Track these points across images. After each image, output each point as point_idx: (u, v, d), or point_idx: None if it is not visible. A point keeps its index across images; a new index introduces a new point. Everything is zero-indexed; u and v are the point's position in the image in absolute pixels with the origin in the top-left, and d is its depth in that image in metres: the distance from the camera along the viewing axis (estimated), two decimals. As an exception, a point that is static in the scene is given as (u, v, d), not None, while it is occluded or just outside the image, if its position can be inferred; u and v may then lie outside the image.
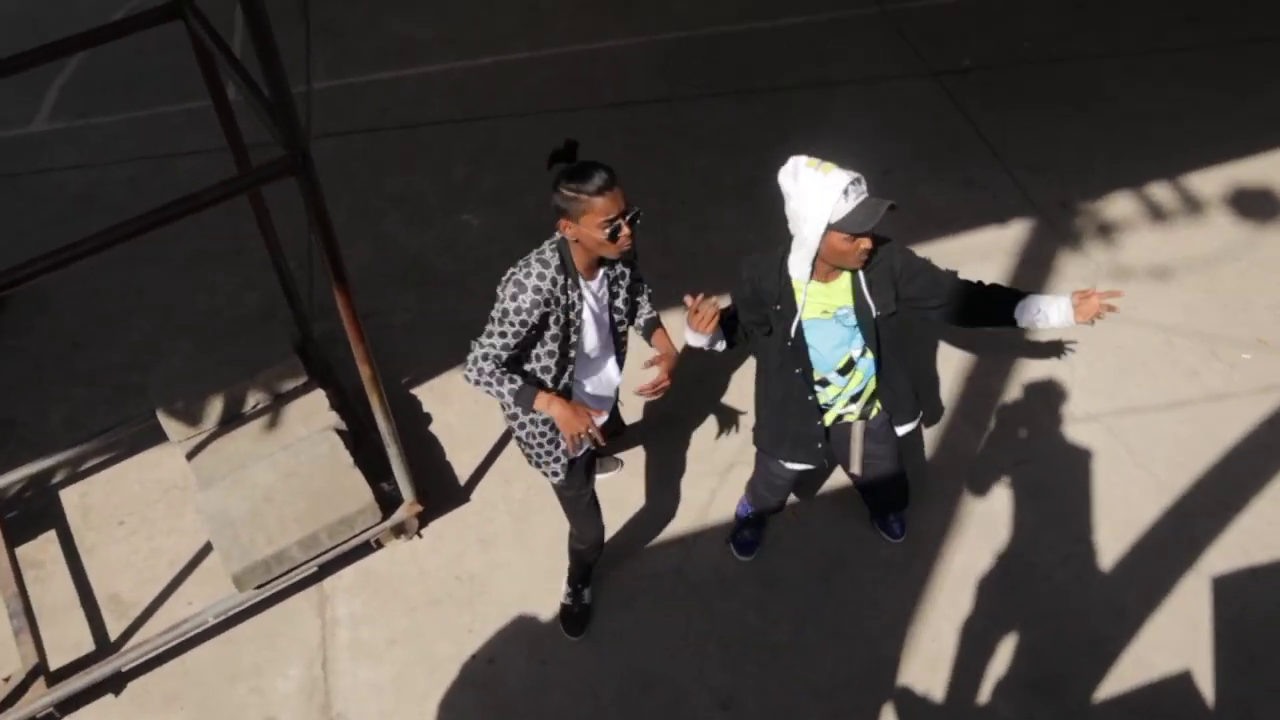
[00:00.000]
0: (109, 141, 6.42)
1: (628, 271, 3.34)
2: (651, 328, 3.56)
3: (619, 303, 3.32)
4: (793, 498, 4.38)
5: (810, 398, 3.48)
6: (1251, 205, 5.64)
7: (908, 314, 3.37)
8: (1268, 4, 7.01)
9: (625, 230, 2.95)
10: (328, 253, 3.11)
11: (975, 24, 6.95)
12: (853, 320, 3.32)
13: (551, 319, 3.08)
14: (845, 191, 2.98)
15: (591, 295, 3.17)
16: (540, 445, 3.37)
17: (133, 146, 6.35)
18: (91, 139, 6.46)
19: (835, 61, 6.70)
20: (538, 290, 2.99)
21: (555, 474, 3.43)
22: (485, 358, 3.08)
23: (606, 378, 3.47)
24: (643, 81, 6.60)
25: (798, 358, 3.40)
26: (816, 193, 3.01)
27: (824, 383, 3.48)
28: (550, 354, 3.19)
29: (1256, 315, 5.10)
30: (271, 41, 2.70)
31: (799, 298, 3.26)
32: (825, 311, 3.30)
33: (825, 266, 3.20)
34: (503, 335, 3.04)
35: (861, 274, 3.23)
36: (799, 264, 3.21)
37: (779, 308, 3.28)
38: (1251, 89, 6.36)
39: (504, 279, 3.07)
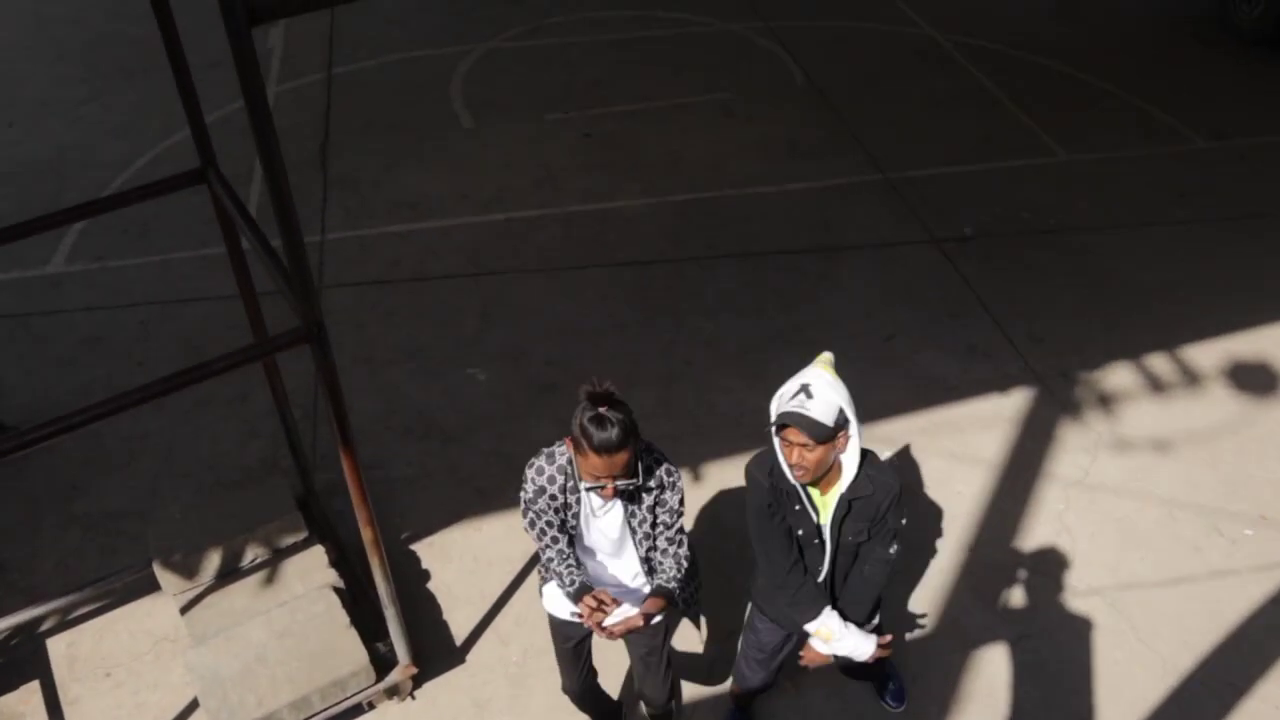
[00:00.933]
0: (122, 285, 6.53)
1: (667, 500, 3.21)
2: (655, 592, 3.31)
3: (635, 522, 3.22)
4: (790, 669, 4.33)
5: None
6: (1249, 379, 5.71)
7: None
8: (1259, 180, 7.23)
9: (608, 490, 2.98)
10: (336, 419, 3.15)
11: (976, 194, 7.16)
12: (829, 548, 3.31)
13: (558, 512, 3.16)
14: (793, 394, 2.99)
15: (592, 498, 3.17)
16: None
17: (145, 291, 6.46)
18: (105, 282, 6.57)
19: (839, 227, 6.87)
20: (539, 487, 3.12)
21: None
22: (544, 548, 3.23)
23: (624, 584, 3.44)
24: (651, 242, 6.76)
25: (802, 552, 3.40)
26: (777, 394, 3.06)
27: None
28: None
29: (1257, 490, 5.11)
30: (293, 213, 2.76)
31: (806, 499, 3.22)
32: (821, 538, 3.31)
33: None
34: (532, 524, 3.17)
35: (842, 496, 3.19)
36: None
37: (798, 508, 3.24)
38: (1246, 264, 6.51)
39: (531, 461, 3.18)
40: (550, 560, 3.21)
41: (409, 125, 7.96)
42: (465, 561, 4.78)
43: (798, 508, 3.22)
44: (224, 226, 3.75)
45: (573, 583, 3.17)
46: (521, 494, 3.16)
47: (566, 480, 3.10)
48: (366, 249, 6.77)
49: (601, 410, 2.85)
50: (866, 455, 3.19)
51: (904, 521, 3.35)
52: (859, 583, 3.36)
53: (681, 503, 3.22)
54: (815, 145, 7.66)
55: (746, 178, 7.33)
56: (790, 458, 3.02)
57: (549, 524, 3.16)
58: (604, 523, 3.20)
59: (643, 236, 6.81)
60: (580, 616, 3.18)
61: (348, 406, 3.25)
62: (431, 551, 4.83)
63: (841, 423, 2.99)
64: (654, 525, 3.22)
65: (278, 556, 4.38)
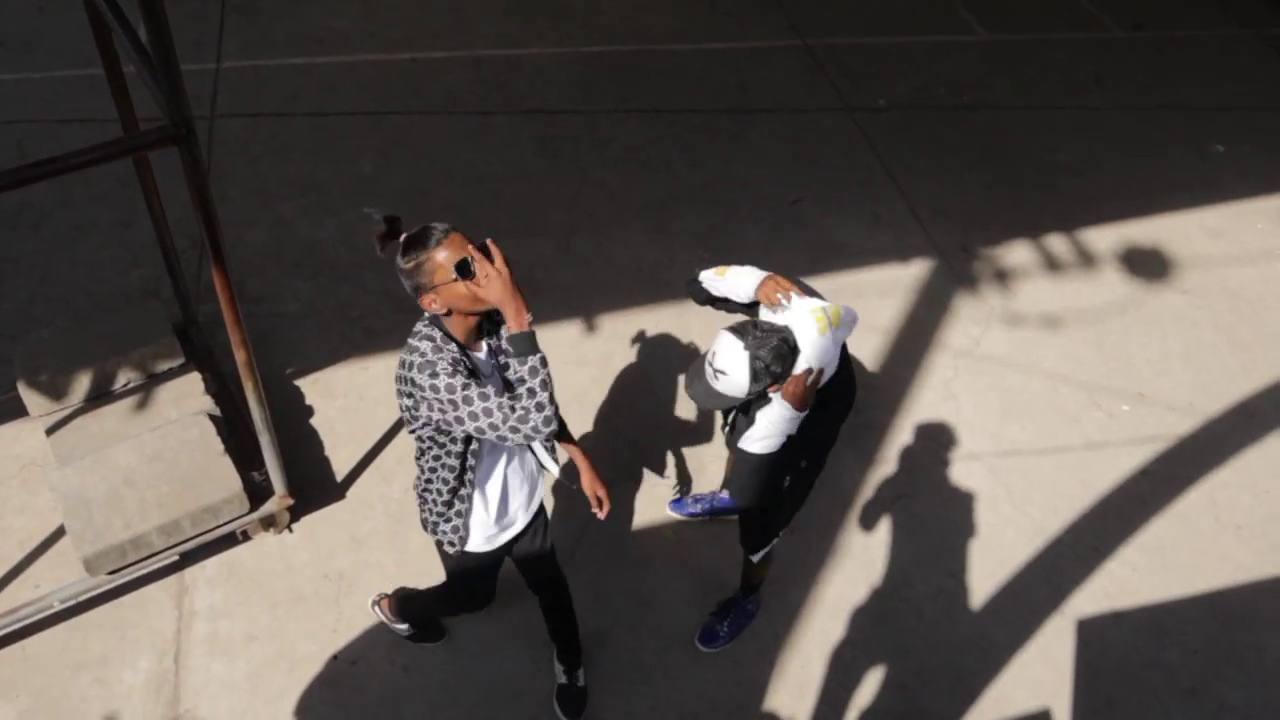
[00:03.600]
0: (2, 103, 6.15)
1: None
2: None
3: (510, 375, 2.70)
4: (674, 517, 4.38)
5: None
6: (1142, 263, 5.82)
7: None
8: (1173, 74, 7.27)
9: (481, 266, 2.55)
10: (206, 228, 3.00)
11: (893, 66, 7.08)
12: None
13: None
14: (709, 361, 3.07)
15: (481, 365, 2.79)
16: (443, 508, 3.03)
17: (23, 109, 6.08)
18: (-17, 98, 6.19)
19: (754, 89, 6.74)
20: (449, 362, 2.62)
21: (457, 540, 3.10)
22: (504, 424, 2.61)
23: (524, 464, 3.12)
24: (560, 92, 6.56)
25: None
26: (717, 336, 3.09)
27: None
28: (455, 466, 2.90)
29: (1138, 369, 5.24)
30: (159, 5, 2.59)
31: None
32: None
33: None
34: (483, 400, 2.59)
35: None
36: None
37: None
38: (1154, 152, 6.58)
39: (404, 375, 2.67)
40: (513, 412, 2.59)
41: (316, -45, 7.55)
42: (350, 399, 4.69)
43: None
44: (96, 29, 3.49)
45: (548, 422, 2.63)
46: (438, 388, 2.59)
47: (457, 354, 2.67)
48: (264, 80, 6.45)
49: (406, 234, 2.63)
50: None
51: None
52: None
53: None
54: (736, 4, 7.46)
55: (664, 34, 7.12)
56: None
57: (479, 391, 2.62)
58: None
59: (553, 86, 6.60)
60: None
61: (235, 238, 3.11)
62: (316, 388, 4.73)
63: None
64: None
65: (152, 381, 4.23)
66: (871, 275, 5.53)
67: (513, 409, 2.58)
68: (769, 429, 3.13)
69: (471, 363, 2.73)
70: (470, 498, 2.97)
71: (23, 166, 2.66)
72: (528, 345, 2.61)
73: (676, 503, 4.41)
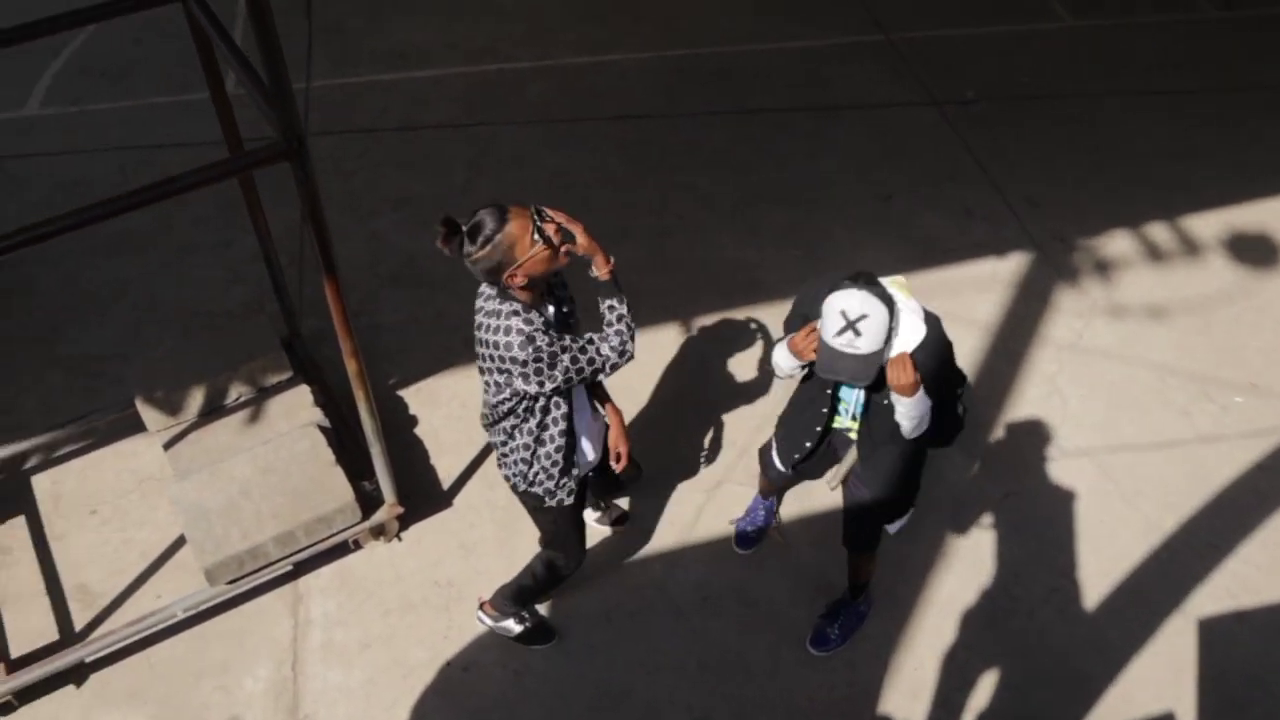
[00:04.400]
0: (100, 130, 6.35)
1: (565, 291, 3.19)
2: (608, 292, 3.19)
3: (603, 309, 3.11)
4: (782, 513, 4.35)
5: (824, 410, 3.45)
6: (1248, 250, 5.64)
7: None
8: (1268, 53, 7.05)
9: (549, 226, 2.82)
10: (319, 240, 3.06)
11: (978, 56, 6.97)
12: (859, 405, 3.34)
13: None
14: (839, 330, 2.90)
15: (552, 320, 3.07)
16: (553, 469, 3.27)
17: (123, 135, 6.27)
18: (82, 126, 6.38)
19: (838, 86, 6.69)
20: (541, 327, 2.90)
21: (568, 495, 3.37)
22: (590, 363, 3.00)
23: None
24: (645, 96, 6.58)
25: (826, 393, 3.40)
26: (825, 304, 2.96)
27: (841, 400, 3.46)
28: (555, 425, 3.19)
29: (1249, 359, 5.08)
30: (271, 24, 2.67)
31: None
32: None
33: None
34: (575, 359, 2.94)
35: None
36: None
37: None
38: (1250, 135, 6.38)
39: (496, 338, 2.92)
40: (600, 352, 2.98)
41: (396, -29, 7.67)
42: (453, 407, 4.74)
43: None
44: (201, 51, 3.58)
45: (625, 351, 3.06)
46: (535, 351, 2.85)
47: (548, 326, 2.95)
48: (353, 98, 6.56)
49: (465, 226, 2.83)
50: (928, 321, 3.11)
51: (960, 392, 3.33)
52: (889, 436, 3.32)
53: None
54: (816, 3, 7.41)
55: (744, 35, 7.09)
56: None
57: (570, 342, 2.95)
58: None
59: (637, 91, 6.62)
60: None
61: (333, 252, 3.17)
62: (419, 397, 4.79)
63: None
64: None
65: (262, 395, 4.32)
66: (967, 270, 5.44)
67: (608, 338, 2.99)
68: (911, 411, 3.08)
69: (547, 320, 2.97)
70: (580, 448, 3.30)
71: (148, 186, 2.75)
72: (616, 287, 3.02)
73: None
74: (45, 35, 3.26)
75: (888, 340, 2.94)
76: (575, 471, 3.33)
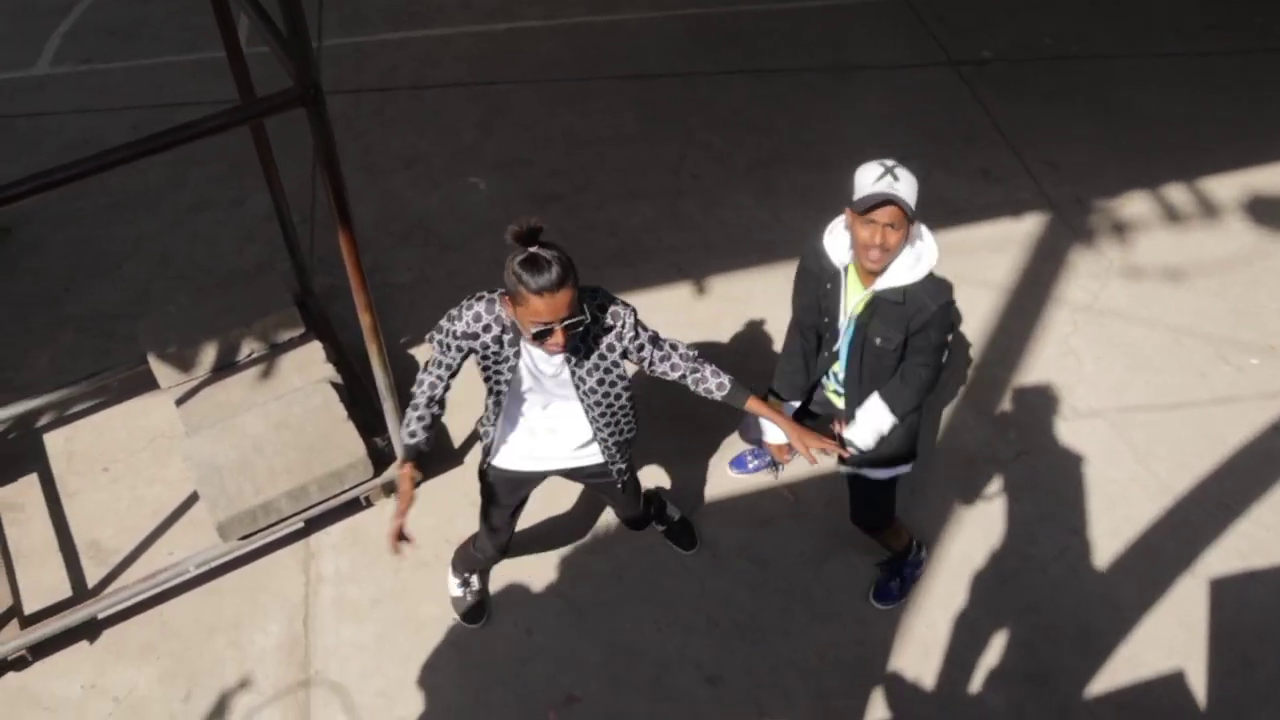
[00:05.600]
0: (110, 88, 6.32)
1: (625, 334, 2.92)
2: (738, 396, 3.12)
3: (594, 379, 2.98)
4: (790, 475, 4.34)
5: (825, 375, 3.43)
6: (1266, 212, 5.58)
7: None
8: (1287, 14, 6.96)
9: (557, 337, 2.67)
10: (333, 189, 3.04)
11: (996, 17, 6.88)
12: (848, 340, 3.26)
13: (482, 366, 2.99)
14: (878, 177, 2.91)
15: (537, 359, 2.93)
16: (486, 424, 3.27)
17: (135, 94, 6.25)
18: (93, 85, 6.36)
19: (854, 46, 6.62)
20: (469, 331, 2.87)
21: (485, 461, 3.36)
22: (424, 370, 3.12)
23: (561, 459, 3.30)
24: (659, 56, 6.52)
25: (826, 344, 3.37)
26: (858, 174, 2.97)
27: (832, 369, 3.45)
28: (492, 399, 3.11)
29: (1266, 321, 5.04)
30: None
31: (837, 300, 3.20)
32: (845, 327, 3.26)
33: (861, 267, 3.11)
34: (442, 350, 3.00)
35: (873, 295, 3.13)
36: (837, 243, 3.15)
37: (829, 286, 3.22)
38: (1268, 98, 6.30)
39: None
40: (416, 395, 3.11)
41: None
42: (465, 366, 4.72)
43: (829, 287, 3.21)
44: (213, -1, 3.56)
45: (413, 435, 3.10)
46: (442, 322, 2.95)
47: (504, 333, 2.85)
48: (364, 56, 6.53)
49: (533, 250, 2.56)
50: (930, 274, 3.10)
51: (945, 350, 3.26)
52: (878, 387, 3.31)
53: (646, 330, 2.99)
54: (832, -38, 7.33)
55: (759, -6, 7.03)
56: (874, 239, 2.95)
57: (445, 365, 3.04)
58: (545, 379, 2.99)
59: (650, 50, 6.56)
60: None
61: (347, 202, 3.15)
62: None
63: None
64: (618, 377, 3.00)
65: (274, 351, 4.32)
66: (983, 231, 5.40)
67: (424, 386, 3.13)
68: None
69: (520, 349, 2.88)
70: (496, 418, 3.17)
71: (162, 133, 2.74)
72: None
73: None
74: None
75: (914, 218, 2.97)
76: (487, 440, 3.26)
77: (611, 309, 2.88)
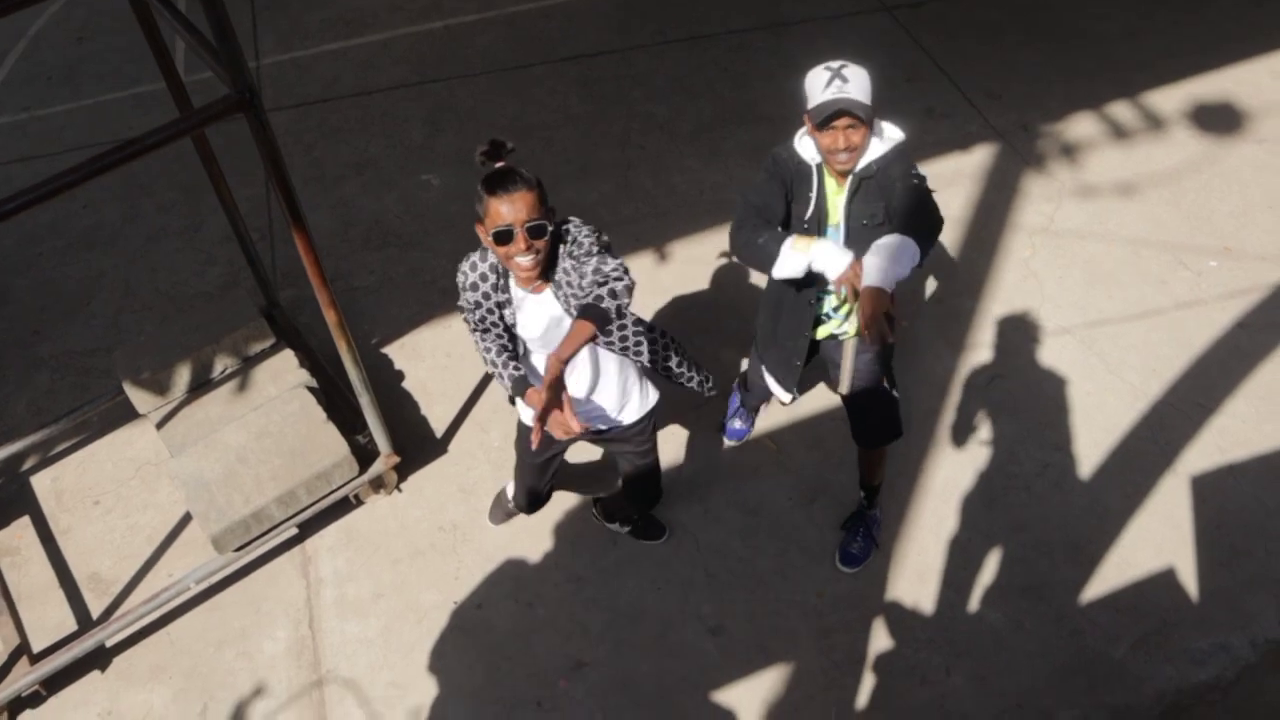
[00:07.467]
0: (53, 133, 6.30)
1: (583, 240, 2.80)
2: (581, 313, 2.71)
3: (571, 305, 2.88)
4: (772, 421, 4.39)
5: (811, 303, 3.38)
6: (1211, 118, 5.66)
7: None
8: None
9: (518, 243, 2.63)
10: (282, 190, 3.06)
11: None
12: (843, 230, 3.20)
13: (490, 317, 2.98)
14: (827, 83, 2.93)
15: (530, 305, 2.92)
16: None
17: (78, 136, 6.23)
18: (34, 132, 6.33)
19: (788, 2, 6.66)
20: (471, 282, 2.92)
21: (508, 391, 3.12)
22: (485, 346, 3.06)
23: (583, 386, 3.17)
24: (595, 34, 6.55)
25: (809, 306, 3.36)
26: (807, 82, 3.00)
27: (825, 291, 3.38)
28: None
29: (1220, 224, 5.12)
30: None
31: (813, 193, 3.16)
32: (834, 222, 3.20)
33: (833, 170, 3.10)
34: (471, 324, 3.02)
35: (851, 179, 3.10)
36: (808, 146, 3.14)
37: (807, 186, 3.17)
38: (1204, 5, 6.38)
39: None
40: (488, 353, 3.00)
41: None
42: (438, 358, 4.77)
43: (807, 186, 3.16)
44: (141, 18, 3.58)
45: (511, 377, 2.94)
46: (460, 297, 3.01)
47: (497, 279, 2.88)
48: (304, 70, 6.53)
49: (497, 165, 2.68)
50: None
51: (922, 176, 3.14)
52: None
53: (613, 263, 2.76)
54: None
55: (690, -38, 7.06)
56: (840, 143, 2.97)
57: (483, 319, 2.96)
58: (540, 313, 2.92)
59: (587, 30, 6.59)
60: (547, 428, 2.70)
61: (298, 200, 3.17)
62: (404, 352, 4.81)
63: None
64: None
65: (247, 364, 4.34)
66: (933, 168, 5.44)
67: (487, 342, 3.01)
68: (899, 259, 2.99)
69: (511, 294, 2.90)
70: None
71: (106, 153, 2.76)
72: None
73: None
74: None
75: (873, 112, 2.96)
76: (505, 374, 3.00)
77: (569, 226, 2.84)
